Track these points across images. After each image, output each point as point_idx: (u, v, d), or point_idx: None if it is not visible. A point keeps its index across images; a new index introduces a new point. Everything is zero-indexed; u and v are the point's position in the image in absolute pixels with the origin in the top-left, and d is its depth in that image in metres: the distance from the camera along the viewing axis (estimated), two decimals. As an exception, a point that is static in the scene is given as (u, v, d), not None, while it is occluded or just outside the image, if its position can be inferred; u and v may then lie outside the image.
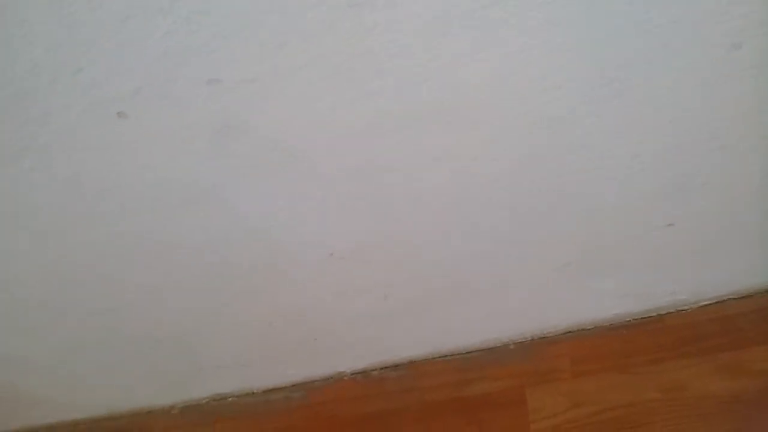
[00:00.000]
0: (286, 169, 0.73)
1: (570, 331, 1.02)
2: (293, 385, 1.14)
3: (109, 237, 0.84)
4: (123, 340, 1.05)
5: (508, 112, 0.70)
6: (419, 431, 1.04)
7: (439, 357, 1.08)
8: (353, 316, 0.98)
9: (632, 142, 0.74)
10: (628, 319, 1.00)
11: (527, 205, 0.83)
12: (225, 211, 0.78)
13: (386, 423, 1.06)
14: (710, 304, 0.98)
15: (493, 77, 0.66)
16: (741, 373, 0.94)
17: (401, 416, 1.06)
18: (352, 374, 1.12)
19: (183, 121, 0.67)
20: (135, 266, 0.89)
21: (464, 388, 1.05)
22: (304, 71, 0.63)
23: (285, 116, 0.68)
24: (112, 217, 0.80)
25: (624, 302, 0.98)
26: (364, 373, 1.11)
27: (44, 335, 1.00)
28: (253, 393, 1.16)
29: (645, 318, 1.00)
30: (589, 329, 1.01)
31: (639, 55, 0.65)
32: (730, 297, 0.96)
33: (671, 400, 0.95)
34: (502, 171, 0.78)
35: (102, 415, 1.24)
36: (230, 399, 1.17)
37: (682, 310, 0.99)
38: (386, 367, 1.10)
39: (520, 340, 1.04)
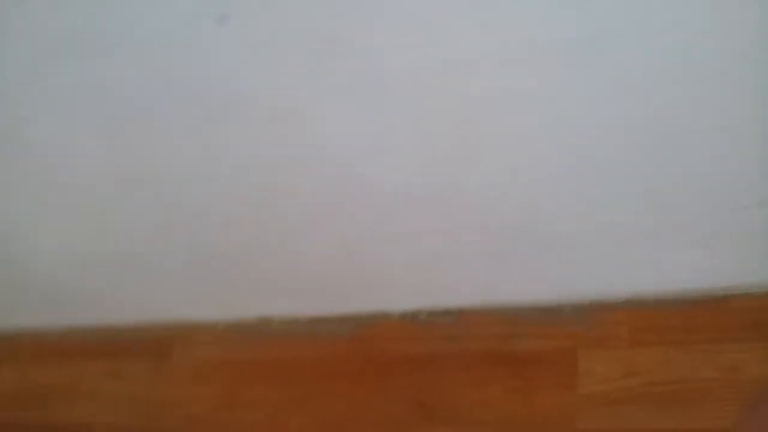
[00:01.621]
0: (379, 97, 0.71)
1: (631, 301, 0.99)
2: (340, 319, 1.14)
3: (185, 145, 0.83)
4: (179, 251, 1.06)
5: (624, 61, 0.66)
6: (463, 379, 1.03)
7: (492, 309, 1.07)
8: (414, 256, 0.97)
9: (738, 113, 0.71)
10: (693, 296, 0.97)
11: (613, 162, 0.80)
12: (308, 133, 0.77)
13: (430, 367, 1.06)
14: (779, 291, 0.95)
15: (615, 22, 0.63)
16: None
17: (445, 362, 1.06)
18: (402, 315, 1.11)
19: (284, 31, 0.65)
20: (204, 177, 0.88)
21: (514, 343, 1.03)
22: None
23: (391, 40, 0.65)
24: (192, 124, 0.79)
25: (693, 278, 0.95)
26: (414, 315, 1.10)
27: (108, 236, 1.01)
28: (298, 320, 1.16)
29: (710, 297, 0.97)
30: (651, 301, 0.99)
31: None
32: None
33: (727, 381, 0.93)
34: (593, 124, 0.75)
35: (147, 323, 1.26)
36: (275, 323, 1.17)
37: (750, 294, 0.96)
38: (436, 312, 1.10)
39: (577, 303, 1.02)
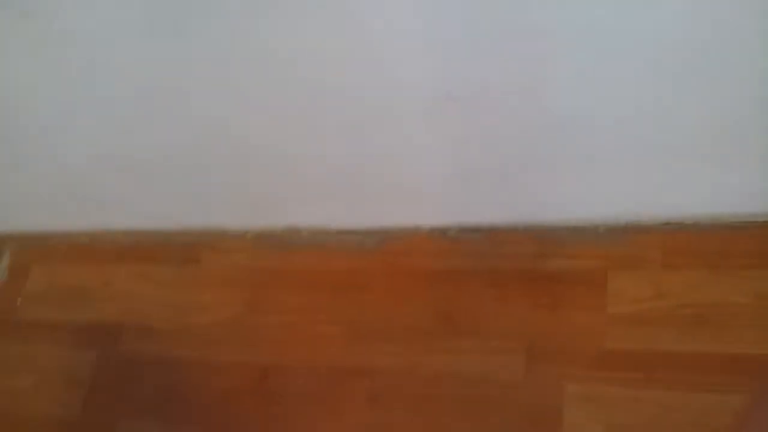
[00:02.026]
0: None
1: (668, 223, 0.98)
2: (368, 231, 1.13)
3: (222, 42, 0.81)
4: (211, 157, 1.05)
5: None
6: (490, 295, 1.03)
7: (523, 227, 1.06)
8: (451, 167, 0.95)
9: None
10: (731, 220, 0.95)
11: (658, 78, 0.77)
12: (351, 28, 0.74)
13: (457, 282, 1.06)
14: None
15: None
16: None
17: (473, 278, 1.05)
18: (431, 230, 1.10)
19: None
20: (238, 79, 0.87)
21: (543, 261, 1.03)
22: None
23: None
24: (231, 20, 0.76)
25: (733, 202, 0.93)
26: (443, 231, 1.10)
27: (144, 139, 1.00)
28: (327, 231, 1.16)
29: (749, 222, 0.94)
30: (688, 224, 0.97)
31: None
32: None
33: (758, 307, 0.92)
34: (648, 40, 0.71)
35: (177, 229, 1.27)
36: (304, 233, 1.17)
37: (793, 221, 0.94)
38: (465, 229, 1.09)
39: (611, 224, 1.00)
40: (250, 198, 1.14)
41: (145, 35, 0.82)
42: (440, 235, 1.10)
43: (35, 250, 1.40)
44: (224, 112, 0.94)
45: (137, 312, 1.24)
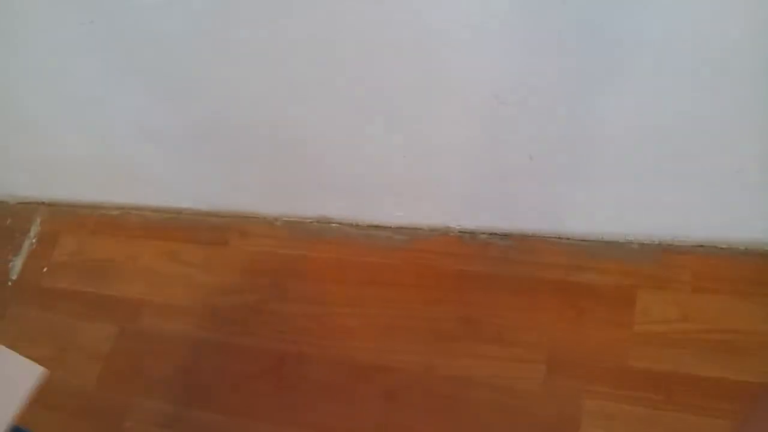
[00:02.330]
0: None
1: (702, 246, 0.97)
2: (399, 227, 1.14)
3: (264, 26, 0.81)
4: (245, 141, 1.05)
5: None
6: (514, 302, 1.03)
7: (555, 237, 1.05)
8: (490, 170, 0.95)
9: None
10: (765, 248, 0.94)
11: (706, 96, 0.76)
12: (412, 13, 0.73)
13: (483, 286, 1.06)
14: None
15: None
16: None
17: (499, 283, 1.05)
18: (460, 232, 1.10)
19: None
20: (283, 59, 0.87)
21: (573, 273, 1.02)
22: None
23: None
24: (277, 2, 0.77)
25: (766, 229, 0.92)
26: (472, 234, 1.10)
27: (181, 117, 1.01)
28: (357, 224, 1.16)
29: (785, 252, 0.94)
30: (722, 248, 0.96)
31: None
32: None
33: (788, 339, 0.91)
34: (708, 54, 0.71)
35: (207, 210, 1.27)
36: (334, 224, 1.18)
37: (829, 253, 0.93)
38: (495, 234, 1.09)
39: (645, 242, 1.00)
40: (282, 185, 1.14)
41: (197, 11, 0.82)
42: (470, 237, 1.10)
43: (65, 219, 1.42)
44: (265, 97, 0.94)
45: (161, 289, 1.25)
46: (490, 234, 1.09)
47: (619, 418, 0.92)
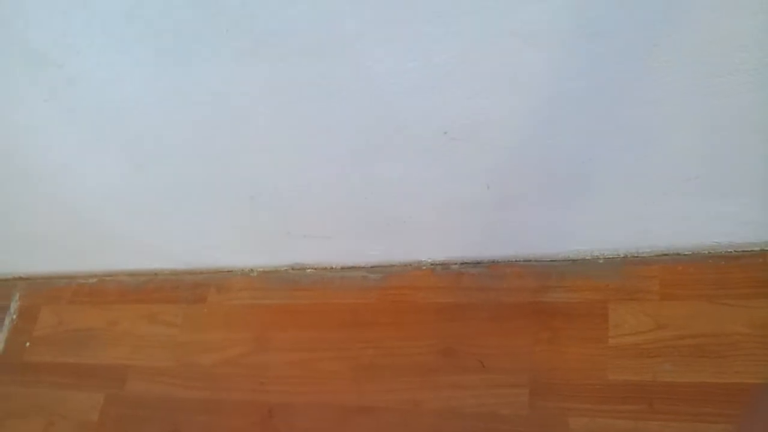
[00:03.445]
0: (425, 30, 0.70)
1: (666, 254, 0.99)
2: (372, 267, 1.15)
3: (233, 79, 0.83)
4: (214, 198, 1.07)
5: None
6: (492, 329, 1.05)
7: (523, 261, 1.07)
8: (451, 203, 0.97)
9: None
10: (729, 251, 0.97)
11: (652, 110, 0.78)
12: (353, 67, 0.76)
13: (459, 316, 1.07)
14: (820, 247, 0.94)
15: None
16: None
17: (475, 312, 1.07)
18: (432, 264, 1.12)
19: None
20: (242, 112, 0.89)
21: (544, 295, 1.04)
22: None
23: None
24: (236, 57, 0.79)
25: (730, 231, 0.94)
26: (444, 266, 1.11)
27: (149, 180, 1.02)
28: (331, 268, 1.18)
29: (746, 252, 0.96)
30: (686, 255, 0.98)
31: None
32: None
33: (758, 337, 0.93)
34: (636, 68, 0.73)
35: (183, 269, 1.29)
36: (309, 270, 1.19)
37: (788, 250, 0.95)
38: (467, 263, 1.10)
39: (610, 256, 1.02)
40: (254, 237, 1.16)
41: (151, 78, 0.84)
42: (442, 269, 1.12)
43: (44, 292, 1.42)
44: (227, 151, 0.96)
45: (143, 353, 1.25)
46: (462, 264, 1.10)
47: (604, 433, 0.93)
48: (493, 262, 1.09)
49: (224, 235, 1.16)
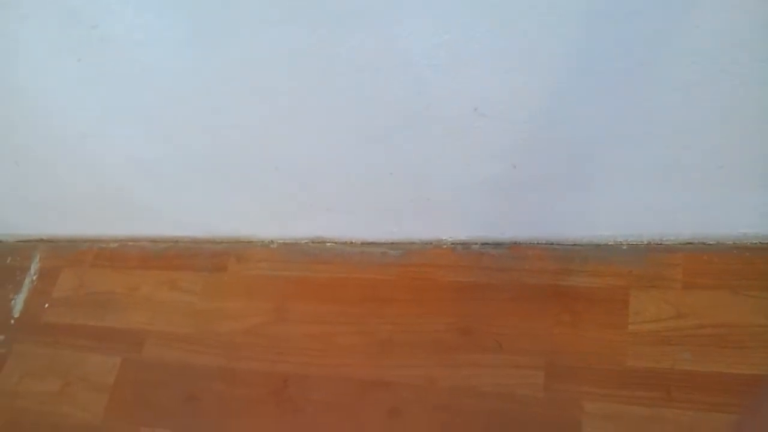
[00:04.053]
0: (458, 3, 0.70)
1: (690, 243, 0.99)
2: (392, 243, 1.15)
3: (262, 50, 0.83)
4: (237, 167, 1.07)
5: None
6: (510, 310, 1.05)
7: (545, 243, 1.07)
8: (476, 182, 0.97)
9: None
10: (754, 242, 0.96)
11: (684, 94, 0.77)
12: (388, 35, 0.75)
13: (479, 296, 1.07)
14: None
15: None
16: None
17: (495, 293, 1.07)
18: (453, 244, 1.12)
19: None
20: (269, 83, 0.88)
21: (565, 278, 1.04)
22: None
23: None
24: (270, 28, 0.79)
25: (756, 222, 0.93)
26: (465, 245, 1.11)
27: (172, 147, 1.03)
28: (352, 242, 1.18)
29: (772, 244, 0.96)
30: (710, 244, 0.98)
31: None
32: None
33: (780, 329, 0.93)
34: (668, 52, 0.72)
35: (203, 237, 1.29)
36: (329, 244, 1.19)
37: (816, 244, 0.94)
38: (488, 243, 1.10)
39: (634, 242, 1.01)
40: (276, 208, 1.16)
41: (183, 43, 0.84)
42: (463, 249, 1.12)
43: (65, 254, 1.44)
44: (255, 122, 0.96)
45: (162, 319, 1.26)
46: (483, 244, 1.10)
47: (619, 419, 0.93)
48: (515, 243, 1.09)
49: (246, 205, 1.16)
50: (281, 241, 1.23)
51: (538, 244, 1.08)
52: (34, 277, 1.45)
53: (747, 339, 0.93)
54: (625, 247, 1.02)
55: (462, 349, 1.05)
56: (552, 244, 1.07)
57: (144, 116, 0.99)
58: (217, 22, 0.81)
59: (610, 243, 1.03)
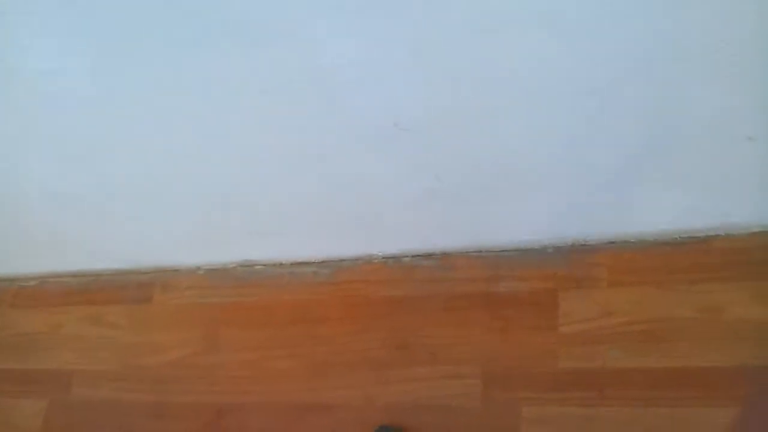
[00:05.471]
0: (374, 18, 0.69)
1: (613, 242, 1.00)
2: (323, 262, 1.14)
3: (172, 75, 0.80)
4: (160, 194, 1.04)
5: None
6: (444, 320, 1.04)
7: (474, 252, 1.07)
8: (403, 195, 0.96)
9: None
10: (674, 237, 0.98)
11: (594, 102, 0.79)
12: (303, 53, 0.74)
13: (412, 309, 1.06)
14: (761, 231, 0.95)
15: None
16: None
17: (428, 304, 1.06)
18: (384, 258, 1.11)
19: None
20: (189, 107, 0.86)
21: (495, 285, 1.04)
22: None
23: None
24: (180, 50, 0.76)
25: (675, 218, 0.95)
26: (396, 259, 1.11)
27: (90, 178, 0.99)
28: (281, 264, 1.16)
29: (692, 238, 0.97)
30: (632, 242, 0.99)
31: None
32: (783, 228, 0.94)
33: (705, 320, 0.94)
34: (575, 65, 0.73)
35: (127, 268, 1.25)
36: (258, 267, 1.17)
37: (731, 235, 0.97)
38: (418, 256, 1.10)
39: (559, 245, 1.02)
40: (202, 233, 1.13)
41: (91, 71, 0.81)
42: (394, 262, 1.11)
43: (-18, 296, 1.37)
44: (174, 147, 0.93)
45: (88, 357, 1.21)
46: (414, 257, 1.10)
47: (556, 422, 0.93)
48: (445, 253, 1.09)
49: (170, 232, 1.13)
50: (208, 267, 1.20)
51: (467, 252, 1.08)
52: (-49, 322, 1.37)
53: (674, 333, 0.95)
54: (550, 250, 1.03)
55: (397, 364, 1.03)
56: (481, 251, 1.07)
57: (57, 147, 0.95)
58: (124, 48, 0.78)
59: (535, 247, 1.04)
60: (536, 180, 0.93)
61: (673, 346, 0.94)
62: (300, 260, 1.14)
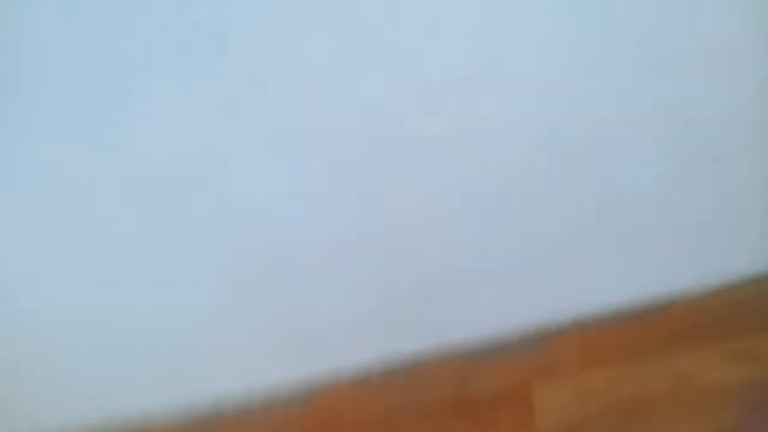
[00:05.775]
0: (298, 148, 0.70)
1: (575, 322, 0.99)
2: (292, 390, 1.10)
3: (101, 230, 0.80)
4: (114, 338, 1.00)
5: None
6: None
7: (441, 355, 1.05)
8: (353, 313, 0.95)
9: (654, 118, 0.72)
10: (634, 309, 0.97)
11: (532, 182, 0.80)
12: (228, 192, 0.74)
13: (388, 426, 1.04)
14: (718, 290, 0.96)
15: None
16: (750, 359, 0.92)
17: (403, 418, 1.03)
18: (353, 377, 1.08)
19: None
20: (122, 257, 0.85)
21: (468, 386, 1.02)
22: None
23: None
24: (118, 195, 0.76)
25: (631, 290, 0.96)
26: (366, 376, 1.08)
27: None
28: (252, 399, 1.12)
29: (651, 307, 0.97)
30: (596, 319, 0.98)
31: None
32: (739, 282, 0.94)
33: (678, 390, 0.94)
34: (515, 152, 0.75)
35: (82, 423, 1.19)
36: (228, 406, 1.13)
37: (689, 298, 0.97)
38: (388, 368, 1.07)
39: (527, 332, 1.00)
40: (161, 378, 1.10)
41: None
42: (364, 379, 1.08)
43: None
44: (127, 296, 0.92)
45: None
46: (383, 369, 1.07)
47: None
48: (414, 360, 1.06)
49: (126, 378, 1.09)
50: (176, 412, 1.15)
51: (436, 355, 1.05)
52: None
53: (652, 406, 0.94)
54: (516, 340, 1.02)
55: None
56: (450, 351, 1.04)
57: None
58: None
59: (503, 337, 1.02)
60: (483, 273, 0.93)
61: (652, 420, 0.94)
62: (270, 395, 1.11)
